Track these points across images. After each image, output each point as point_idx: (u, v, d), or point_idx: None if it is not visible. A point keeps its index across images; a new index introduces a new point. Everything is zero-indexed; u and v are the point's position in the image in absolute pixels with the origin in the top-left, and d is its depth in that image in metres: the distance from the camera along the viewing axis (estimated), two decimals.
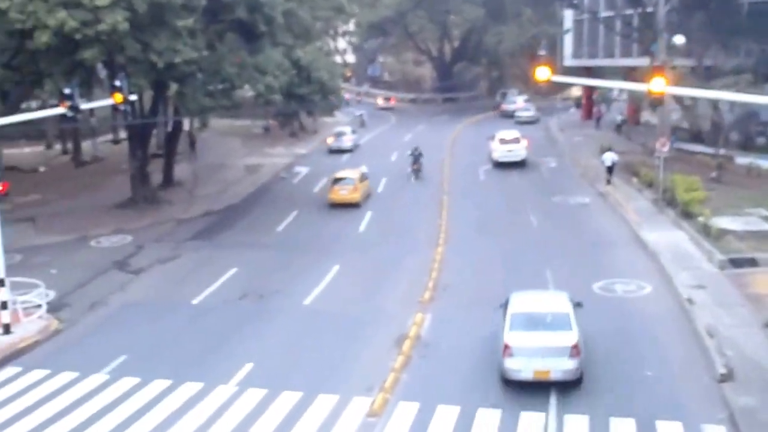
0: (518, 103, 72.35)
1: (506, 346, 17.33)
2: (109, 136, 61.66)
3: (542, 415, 16.21)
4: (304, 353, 20.17)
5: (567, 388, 17.15)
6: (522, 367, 17.17)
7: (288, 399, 17.30)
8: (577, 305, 18.85)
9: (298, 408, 16.88)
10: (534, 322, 17.78)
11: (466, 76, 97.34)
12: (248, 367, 19.19)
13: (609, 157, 40.09)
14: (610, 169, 39.81)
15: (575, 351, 17.10)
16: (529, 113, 68.47)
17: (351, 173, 40.13)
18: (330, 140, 57.02)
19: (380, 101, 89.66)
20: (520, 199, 38.14)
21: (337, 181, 38.58)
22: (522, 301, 18.70)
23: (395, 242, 31.58)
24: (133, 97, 27.56)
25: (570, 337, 17.26)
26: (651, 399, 16.81)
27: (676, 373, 18.30)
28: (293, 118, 64.07)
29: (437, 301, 23.99)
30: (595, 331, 19.27)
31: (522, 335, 17.42)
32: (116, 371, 19.16)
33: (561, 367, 17.07)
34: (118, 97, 23.25)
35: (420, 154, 44.83)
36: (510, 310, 18.29)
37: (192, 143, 54.24)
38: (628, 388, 17.43)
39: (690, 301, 22.36)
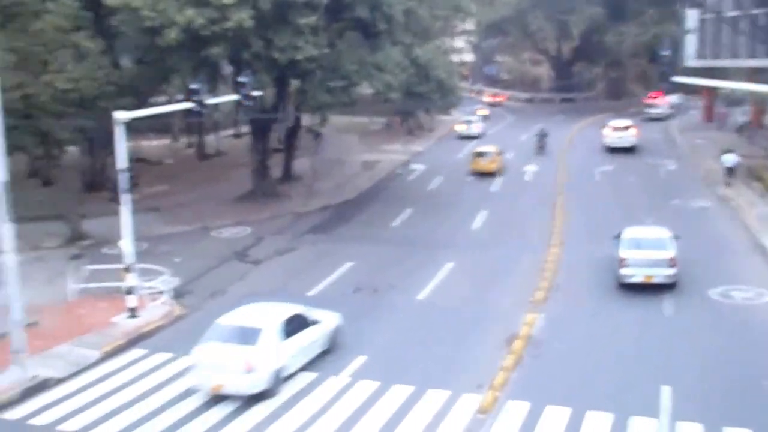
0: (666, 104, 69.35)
1: (622, 259, 23.84)
2: (232, 131, 63.73)
3: (654, 420, 15.67)
4: (417, 348, 20.19)
5: (680, 393, 16.51)
6: (634, 273, 23.68)
7: (399, 392, 17.36)
8: (675, 237, 24.81)
9: (408, 402, 16.91)
10: (642, 244, 24.38)
11: (584, 76, 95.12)
12: (361, 359, 19.37)
13: (730, 159, 38.48)
14: (730, 171, 38.23)
15: (672, 262, 23.55)
16: (661, 110, 66.99)
17: (490, 148, 47.34)
18: (460, 127, 62.43)
19: (487, 97, 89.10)
20: (636, 201, 36.91)
21: (478, 154, 46.15)
22: (632, 231, 25.50)
23: (508, 241, 31.22)
24: (257, 93, 28.36)
25: (668, 253, 23.76)
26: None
27: None
28: (411, 116, 64.38)
29: (550, 302, 23.57)
30: (711, 338, 18.52)
31: (633, 252, 23.99)
32: None
33: (662, 273, 23.53)
34: (243, 94, 23.92)
35: (546, 134, 53.15)
36: (623, 236, 24.94)
37: (317, 138, 55.54)
38: (744, 397, 16.67)
39: None
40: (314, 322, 19.30)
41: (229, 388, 16.94)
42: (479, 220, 34.87)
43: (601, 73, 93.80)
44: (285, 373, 17.83)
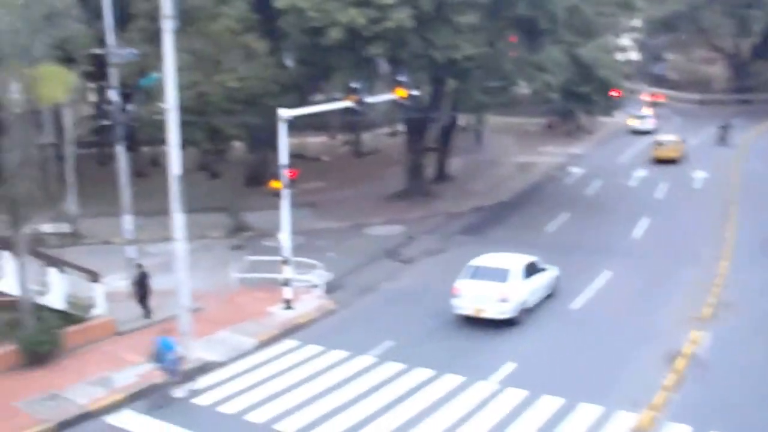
0: None
1: None
2: (387, 129, 64.51)
3: None
4: (569, 358, 19.58)
5: None
6: None
7: (548, 404, 16.87)
8: None
9: (558, 414, 16.40)
10: None
11: (763, 76, 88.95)
12: (511, 366, 19.01)
13: None
14: None
15: None
16: None
17: (671, 137, 51.19)
18: (633, 122, 64.22)
19: (647, 97, 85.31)
20: None
21: (660, 143, 49.78)
22: None
23: (673, 252, 29.67)
24: (415, 92, 28.44)
25: None
26: None
27: None
28: (570, 117, 62.76)
29: (718, 319, 22.16)
30: None
31: None
32: (383, 355, 19.90)
33: None
34: (401, 92, 24.08)
35: (729, 126, 55.47)
36: None
37: (478, 137, 55.52)
38: None
39: None
40: (543, 269, 23.83)
41: (488, 314, 21.60)
42: (640, 228, 33.42)
43: None
44: (526, 306, 22.25)
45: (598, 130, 64.91)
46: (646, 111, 68.62)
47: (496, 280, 21.89)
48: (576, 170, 48.34)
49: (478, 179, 45.20)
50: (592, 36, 45.60)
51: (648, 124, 63.42)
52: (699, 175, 44.69)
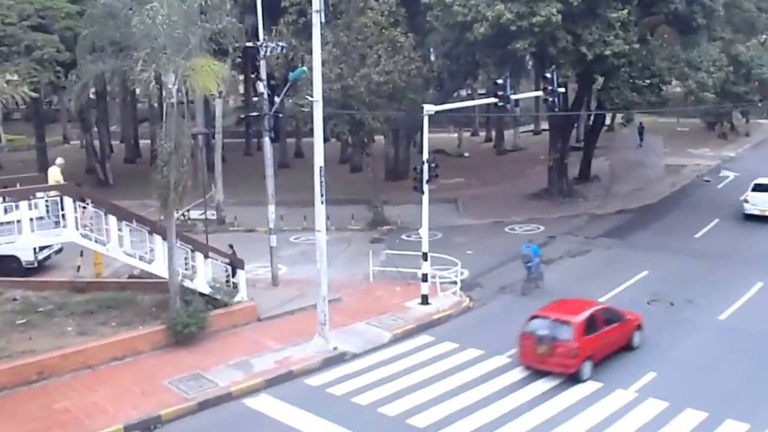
0: None
1: None
2: (530, 127, 63.48)
3: None
4: (714, 371, 18.56)
5: None
6: None
7: (690, 417, 16.05)
8: None
9: (700, 429, 15.57)
10: None
11: None
12: (651, 375, 18.24)
13: None
14: None
15: None
16: None
17: None
18: None
19: None
20: None
21: None
22: None
23: None
24: (561, 90, 27.79)
25: None
26: None
27: None
28: (724, 118, 59.62)
29: None
30: None
31: None
32: (515, 357, 19.46)
33: None
34: (548, 89, 23.56)
35: None
36: None
37: (641, 132, 53.97)
38: None
39: None
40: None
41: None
42: None
43: None
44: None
45: (753, 132, 61.33)
46: None
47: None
48: (729, 174, 45.82)
49: (624, 180, 43.68)
50: (751, 33, 43.14)
51: None
52: None
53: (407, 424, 16.17)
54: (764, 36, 56.76)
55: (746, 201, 34.43)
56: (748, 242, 31.02)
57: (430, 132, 23.66)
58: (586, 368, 18.12)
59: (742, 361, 19.17)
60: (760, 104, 53.62)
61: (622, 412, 16.46)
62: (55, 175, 21.82)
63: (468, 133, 61.83)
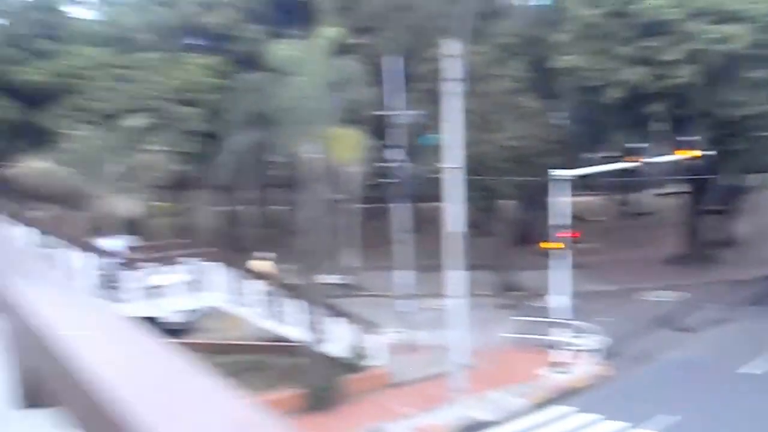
0: None
1: None
2: (661, 189, 61.48)
3: None
4: None
5: None
6: None
7: None
8: None
9: None
10: None
11: None
12: None
13: None
14: None
15: None
16: None
17: None
18: None
19: None
20: None
21: None
22: None
23: None
24: (698, 154, 26.91)
25: None
26: None
27: None
28: None
29: None
30: None
31: None
32: (666, 430, 18.53)
33: None
34: (687, 152, 22.91)
35: None
36: None
37: None
38: None
39: None
40: None
41: None
42: None
43: None
44: None
45: None
46: None
47: None
48: None
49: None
50: None
51: None
52: None
53: None
54: None
55: None
56: None
57: (566, 196, 23.32)
58: None
59: None
60: None
61: None
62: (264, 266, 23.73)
63: (599, 197, 60.53)
